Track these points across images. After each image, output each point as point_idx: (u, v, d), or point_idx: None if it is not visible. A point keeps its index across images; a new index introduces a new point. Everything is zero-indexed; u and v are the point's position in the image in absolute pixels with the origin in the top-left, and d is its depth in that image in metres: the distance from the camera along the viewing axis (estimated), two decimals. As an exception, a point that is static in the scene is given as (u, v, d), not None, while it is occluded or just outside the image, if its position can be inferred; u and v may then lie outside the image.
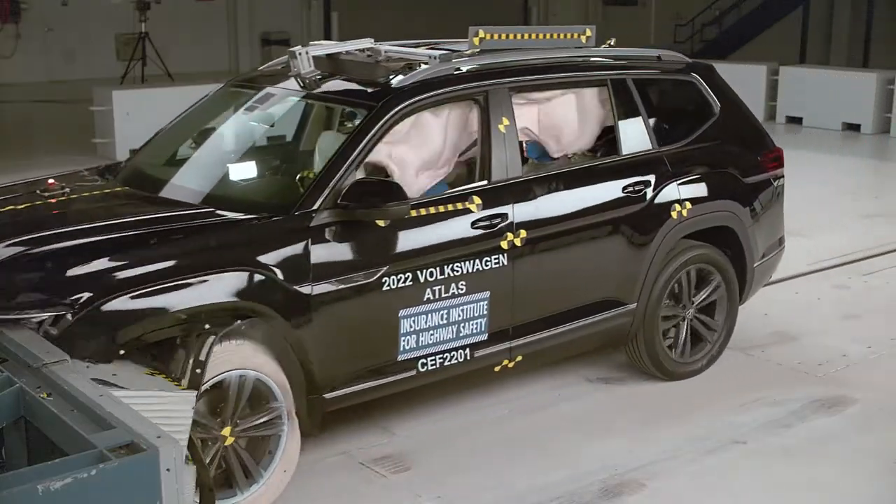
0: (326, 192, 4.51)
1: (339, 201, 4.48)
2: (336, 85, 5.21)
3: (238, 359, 4.15)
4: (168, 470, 2.87)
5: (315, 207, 4.47)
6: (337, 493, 4.56)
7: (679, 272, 5.67)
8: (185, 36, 21.45)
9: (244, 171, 5.17)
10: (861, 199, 10.67)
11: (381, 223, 4.57)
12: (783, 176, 6.37)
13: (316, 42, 5.60)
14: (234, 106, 5.61)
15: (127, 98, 12.67)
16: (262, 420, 4.29)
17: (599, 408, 5.45)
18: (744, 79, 16.66)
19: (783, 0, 21.53)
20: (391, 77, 5.00)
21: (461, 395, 5.52)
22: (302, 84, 5.21)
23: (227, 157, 5.30)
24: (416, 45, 5.68)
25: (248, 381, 4.20)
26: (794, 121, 16.10)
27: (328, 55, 5.43)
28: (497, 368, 5.12)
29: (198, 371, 3.86)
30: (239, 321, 4.14)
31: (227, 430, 4.15)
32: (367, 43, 5.50)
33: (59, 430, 3.12)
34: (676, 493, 4.55)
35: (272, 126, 5.52)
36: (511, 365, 5.15)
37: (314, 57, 5.19)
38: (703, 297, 5.83)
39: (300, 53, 5.14)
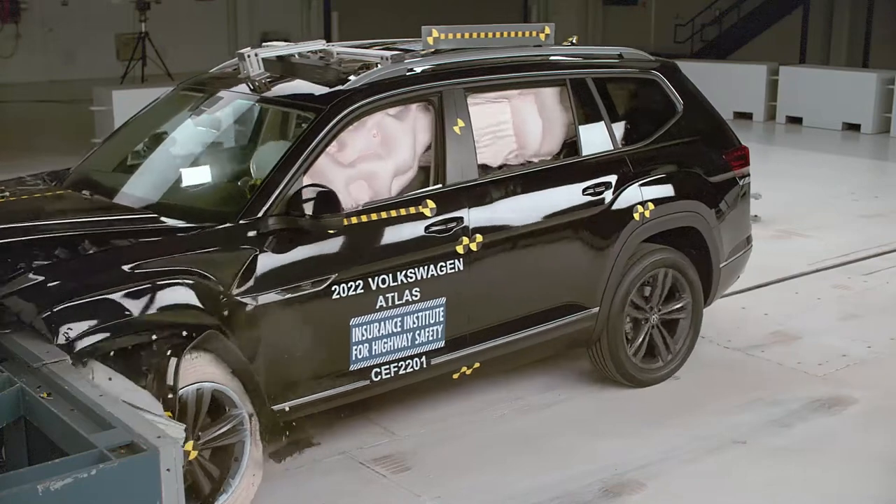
0: (272, 199, 4.38)
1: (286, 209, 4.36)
2: (285, 88, 5.08)
3: (193, 373, 4.02)
4: (168, 470, 2.87)
5: (260, 215, 4.34)
6: (337, 493, 4.56)
7: (643, 276, 5.57)
8: (185, 36, 21.45)
9: (190, 178, 4.93)
10: (861, 199, 10.67)
11: (330, 230, 4.45)
12: (749, 174, 6.25)
13: (267, 43, 5.46)
14: (184, 110, 5.45)
15: (127, 98, 12.65)
16: (224, 429, 4.16)
17: (599, 408, 5.45)
18: (744, 79, 16.78)
19: (783, 0, 21.54)
20: (341, 79, 4.86)
21: (461, 396, 5.52)
22: (251, 87, 5.10)
23: (174, 163, 5.11)
24: (371, 46, 5.62)
25: (205, 393, 4.07)
26: (794, 121, 16.11)
27: (279, 57, 5.26)
28: (455, 376, 5.01)
29: (170, 396, 3.81)
30: (195, 335, 3.98)
31: (189, 445, 3.98)
32: (319, 44, 5.42)
33: (59, 430, 3.12)
34: (676, 493, 4.55)
35: (220, 131, 5.32)
36: (469, 372, 5.04)
37: (264, 59, 5.10)
38: (670, 306, 5.74)
39: (249, 56, 5.06)
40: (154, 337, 3.89)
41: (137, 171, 5.15)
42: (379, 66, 4.92)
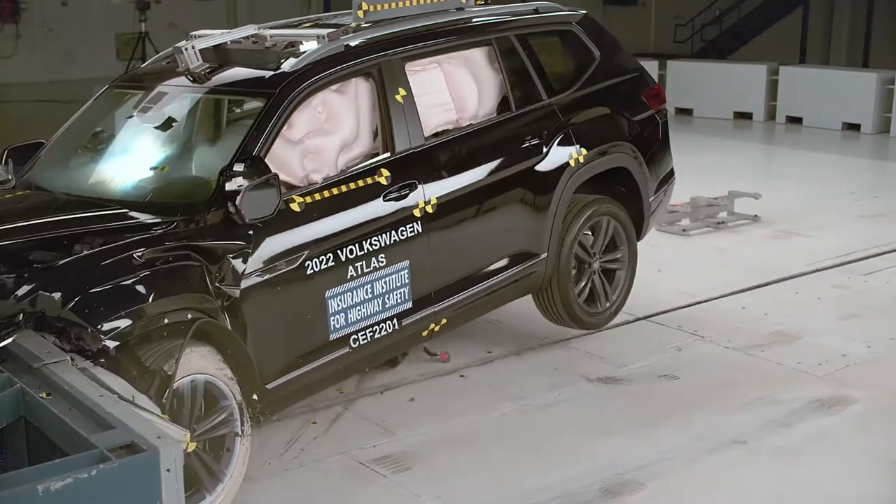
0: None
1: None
2: (229, 76, 5.19)
3: (186, 366, 4.07)
4: (168, 470, 2.87)
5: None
6: (337, 493, 4.56)
7: (588, 223, 6.01)
8: (185, 36, 21.43)
9: (150, 173, 5.05)
10: (861, 199, 10.66)
11: (295, 208, 4.60)
12: (666, 111, 6.71)
13: (198, 32, 5.49)
14: (127, 108, 5.50)
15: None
16: (217, 420, 4.24)
17: (599, 408, 5.45)
18: (744, 79, 16.78)
19: (783, 0, 21.53)
20: (283, 61, 4.99)
21: (461, 396, 5.53)
22: (193, 79, 5.16)
23: (131, 160, 5.18)
24: (299, 24, 5.73)
25: (199, 385, 4.14)
26: (794, 121, 16.10)
27: (214, 47, 5.33)
28: (425, 333, 5.26)
29: (167, 390, 3.85)
30: (193, 322, 4.06)
31: (187, 437, 4.05)
32: (250, 29, 5.48)
33: (59, 430, 3.12)
34: (676, 493, 4.55)
35: (172, 124, 5.29)
36: (437, 328, 5.31)
37: (201, 50, 5.17)
38: (610, 255, 6.26)
39: (186, 49, 5.12)
40: (167, 321, 4.01)
41: (98, 170, 5.23)
42: (317, 45, 5.05)
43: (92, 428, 3.03)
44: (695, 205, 9.33)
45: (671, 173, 6.74)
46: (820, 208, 10.11)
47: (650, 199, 6.45)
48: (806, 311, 6.97)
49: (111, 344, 3.80)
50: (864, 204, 10.38)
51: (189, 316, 4.06)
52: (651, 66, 17.72)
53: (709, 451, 4.92)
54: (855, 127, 15.30)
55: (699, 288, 7.39)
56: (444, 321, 5.32)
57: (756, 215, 9.46)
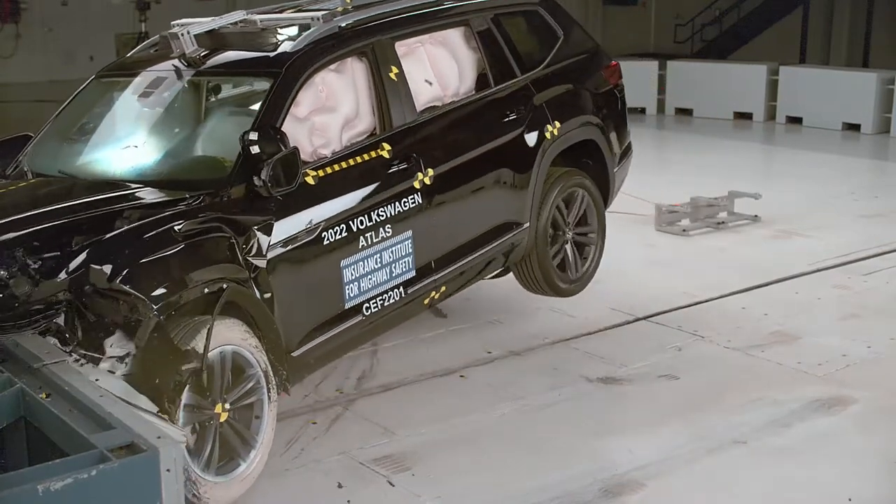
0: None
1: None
2: (230, 58, 5.33)
3: (215, 338, 4.17)
4: (168, 470, 2.87)
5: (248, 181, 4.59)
6: (337, 493, 4.55)
7: (562, 193, 6.33)
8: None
9: (163, 153, 5.22)
10: (861, 199, 10.66)
11: (310, 181, 4.76)
12: (623, 86, 7.08)
13: (186, 21, 5.56)
14: (127, 94, 5.63)
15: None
16: (245, 389, 4.37)
17: (599, 408, 5.45)
18: (744, 79, 16.78)
19: (783, 0, 21.54)
20: (281, 43, 5.15)
21: (461, 395, 5.53)
22: (188, 64, 5.29)
23: (142, 142, 5.32)
24: (282, 10, 5.87)
25: (227, 356, 4.27)
26: (794, 121, 16.11)
27: (208, 32, 5.40)
28: (426, 301, 5.50)
29: (201, 363, 4.03)
30: (219, 293, 4.20)
31: (219, 408, 4.23)
32: (239, 15, 5.56)
33: (59, 430, 3.12)
34: (676, 493, 4.55)
35: (179, 107, 5.48)
36: (437, 296, 5.54)
37: (195, 35, 5.27)
38: (582, 228, 6.62)
39: (183, 34, 5.22)
40: (206, 291, 4.18)
41: (110, 153, 5.32)
42: (313, 27, 5.20)
43: (92, 428, 3.04)
44: (695, 205, 9.33)
45: (630, 146, 7.14)
46: (820, 208, 10.11)
47: (614, 170, 6.84)
48: (806, 311, 6.97)
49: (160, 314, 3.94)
50: (864, 204, 10.38)
51: (224, 286, 4.23)
52: (651, 66, 17.74)
53: (709, 451, 4.92)
54: (855, 127, 15.30)
55: (699, 288, 7.39)
56: (443, 288, 5.55)
57: (756, 215, 9.47)
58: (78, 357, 3.78)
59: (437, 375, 5.82)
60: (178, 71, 5.38)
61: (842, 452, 4.92)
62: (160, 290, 4.01)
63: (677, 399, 5.53)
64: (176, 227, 4.22)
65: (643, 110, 17.36)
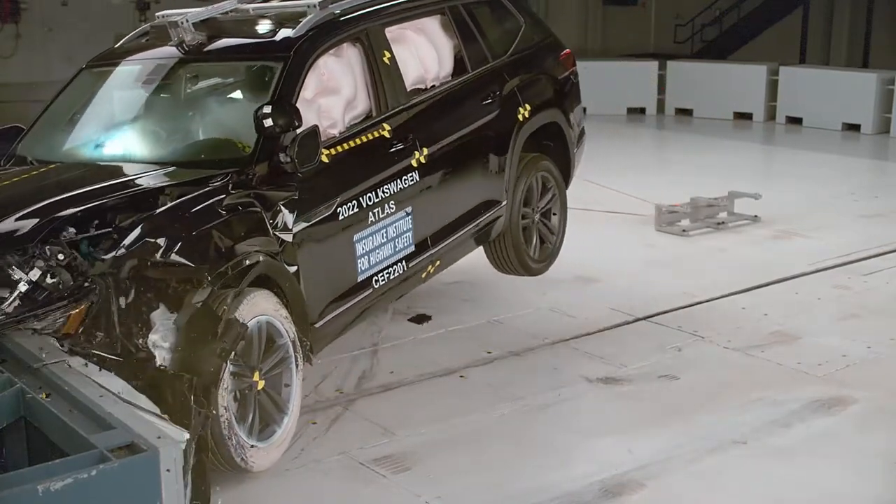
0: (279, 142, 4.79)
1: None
2: (235, 44, 5.54)
3: (255, 307, 4.41)
4: (168, 471, 2.87)
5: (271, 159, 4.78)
6: (337, 493, 4.56)
7: (534, 174, 6.72)
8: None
9: (189, 135, 5.37)
10: (861, 199, 10.66)
11: (325, 159, 4.93)
12: (577, 73, 7.48)
13: (171, 12, 5.70)
14: (131, 82, 5.76)
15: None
16: (278, 358, 4.60)
17: (600, 408, 5.45)
18: (744, 79, 16.78)
19: (783, 0, 21.53)
20: (281, 29, 5.36)
21: (461, 395, 5.53)
22: (187, 50, 5.44)
23: (157, 127, 5.46)
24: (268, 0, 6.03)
25: (262, 326, 4.48)
26: (794, 121, 16.11)
27: (204, 21, 5.58)
28: (423, 275, 5.81)
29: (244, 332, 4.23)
30: (250, 267, 4.39)
31: (256, 376, 4.44)
32: (231, 4, 5.73)
33: (59, 430, 3.12)
34: (676, 493, 4.55)
35: (188, 92, 5.65)
36: (432, 270, 5.88)
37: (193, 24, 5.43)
38: (547, 208, 7.04)
39: (182, 22, 5.36)
40: (247, 262, 4.37)
41: (127, 138, 5.44)
42: (310, 14, 5.37)
43: (92, 428, 3.04)
44: (695, 205, 9.33)
45: (584, 130, 7.55)
46: (820, 208, 10.11)
47: (574, 151, 7.27)
48: (806, 311, 6.98)
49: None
50: (864, 204, 10.38)
51: (261, 258, 4.44)
52: (651, 66, 17.75)
53: (709, 451, 4.92)
54: (855, 127, 15.30)
55: (699, 288, 7.39)
56: (437, 263, 5.90)
57: (756, 215, 9.47)
58: (86, 354, 3.81)
59: (437, 375, 5.82)
60: (183, 57, 5.52)
61: (842, 452, 4.92)
62: (213, 263, 4.19)
63: (677, 399, 5.53)
64: (221, 202, 4.42)
65: (643, 110, 17.37)
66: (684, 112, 17.14)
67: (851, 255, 8.26)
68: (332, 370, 5.78)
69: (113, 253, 4.03)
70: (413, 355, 6.07)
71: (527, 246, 6.83)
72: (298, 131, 4.71)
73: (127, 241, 4.06)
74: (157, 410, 3.52)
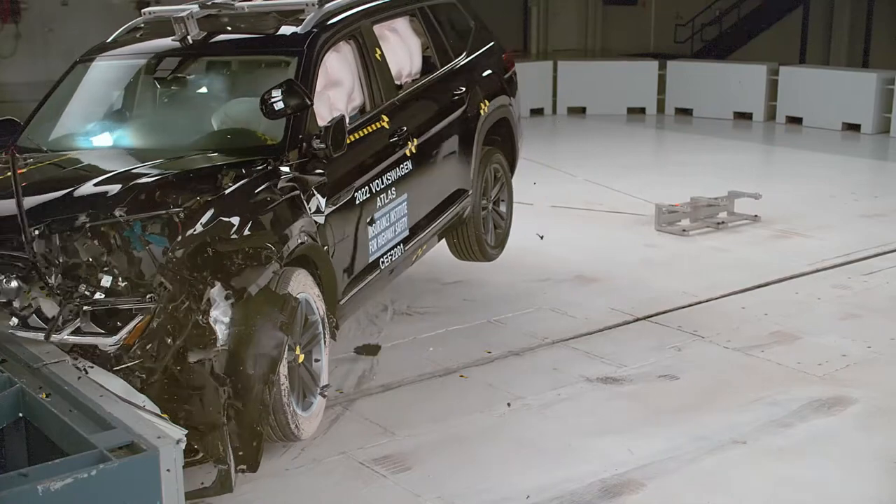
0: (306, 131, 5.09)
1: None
2: (248, 39, 5.79)
3: (297, 285, 4.62)
4: (168, 470, 2.87)
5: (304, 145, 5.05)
6: (337, 493, 4.56)
7: (489, 164, 7.15)
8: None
9: (207, 126, 5.49)
10: (861, 199, 10.66)
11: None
12: (516, 72, 7.92)
13: (157, 8, 5.89)
14: (139, 76, 5.89)
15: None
16: (313, 334, 4.81)
17: (599, 408, 5.45)
18: (744, 79, 16.77)
19: (783, 0, 21.52)
20: (287, 24, 5.63)
21: (460, 395, 5.53)
22: (190, 44, 5.62)
23: (191, 116, 5.66)
24: None
25: (302, 303, 4.67)
26: (794, 121, 16.09)
27: (206, 16, 5.78)
28: (413, 258, 6.17)
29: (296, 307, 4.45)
30: (301, 245, 4.64)
31: (298, 349, 4.65)
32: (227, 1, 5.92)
33: (59, 430, 3.12)
34: (676, 493, 4.55)
35: (210, 85, 5.84)
36: (420, 253, 6.28)
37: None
38: (499, 196, 7.49)
39: (188, 18, 5.54)
40: (300, 242, 4.64)
41: (151, 129, 5.64)
42: (311, 12, 5.65)
43: (92, 428, 3.04)
44: (695, 205, 9.33)
45: (520, 125, 7.98)
46: (820, 208, 10.11)
47: (519, 145, 7.75)
48: (806, 311, 6.98)
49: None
50: (864, 204, 10.38)
51: (307, 239, 4.70)
52: (651, 66, 17.74)
53: (709, 451, 4.92)
54: (855, 127, 15.29)
55: (699, 288, 7.39)
56: (424, 247, 6.31)
57: (756, 215, 9.46)
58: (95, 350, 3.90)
59: (437, 375, 5.83)
60: (195, 52, 5.71)
61: (842, 452, 4.92)
62: (276, 240, 4.41)
63: (677, 399, 5.53)
64: (276, 185, 4.62)
65: (643, 110, 17.36)
66: (684, 112, 17.13)
67: (851, 255, 8.26)
68: (332, 370, 5.77)
69: (188, 231, 4.16)
70: (413, 355, 6.07)
71: (485, 232, 7.24)
72: (329, 121, 4.99)
73: (203, 220, 4.23)
74: (157, 410, 3.52)
